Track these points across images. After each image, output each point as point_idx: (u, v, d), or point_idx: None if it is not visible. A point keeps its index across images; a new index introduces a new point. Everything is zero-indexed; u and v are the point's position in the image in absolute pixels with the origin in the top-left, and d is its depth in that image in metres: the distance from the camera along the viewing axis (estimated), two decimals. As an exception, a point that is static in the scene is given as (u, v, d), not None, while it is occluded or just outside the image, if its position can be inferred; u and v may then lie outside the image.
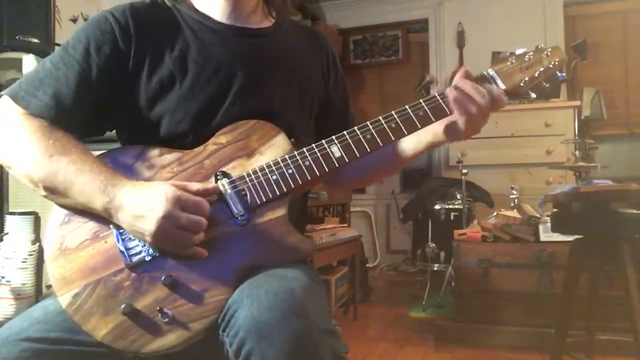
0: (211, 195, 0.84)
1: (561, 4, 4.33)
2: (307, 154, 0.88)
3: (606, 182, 2.03)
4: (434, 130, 0.96)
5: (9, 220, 1.64)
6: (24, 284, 1.59)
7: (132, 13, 0.94)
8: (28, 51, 2.07)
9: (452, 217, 3.47)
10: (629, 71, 4.27)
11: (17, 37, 2.10)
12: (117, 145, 0.98)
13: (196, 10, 1.00)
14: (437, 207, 3.54)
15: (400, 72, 5.13)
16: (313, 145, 0.89)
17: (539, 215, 2.57)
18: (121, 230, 0.83)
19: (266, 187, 0.86)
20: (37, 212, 1.67)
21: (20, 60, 2.03)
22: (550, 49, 1.00)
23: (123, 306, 0.79)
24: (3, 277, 1.58)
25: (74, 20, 2.71)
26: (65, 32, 2.49)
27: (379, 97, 5.21)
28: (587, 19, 4.41)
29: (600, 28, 4.32)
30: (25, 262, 1.59)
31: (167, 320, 0.79)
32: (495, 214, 2.84)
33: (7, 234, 1.62)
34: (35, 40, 2.15)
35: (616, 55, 4.28)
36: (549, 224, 2.24)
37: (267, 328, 0.69)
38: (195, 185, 0.83)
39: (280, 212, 0.87)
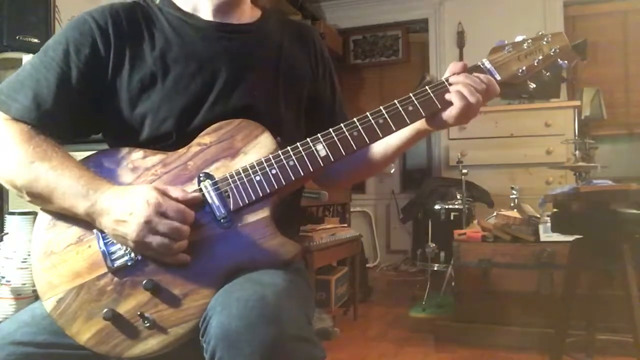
0: (193, 203, 0.82)
1: (561, 4, 4.33)
2: (291, 153, 0.86)
3: (606, 182, 2.03)
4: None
5: (9, 220, 1.64)
6: (24, 284, 1.58)
7: (111, 14, 0.94)
8: (28, 51, 2.07)
9: (452, 217, 3.46)
10: (629, 71, 4.27)
11: (17, 37, 2.10)
12: (105, 146, 0.97)
13: (178, 9, 0.99)
14: (437, 207, 3.53)
15: (400, 72, 5.13)
16: (298, 144, 0.87)
17: (539, 215, 2.56)
18: (104, 234, 0.83)
19: (249, 189, 0.84)
20: (37, 212, 1.67)
21: (20, 60, 2.02)
22: (551, 35, 0.95)
23: (105, 311, 0.79)
24: (3, 277, 1.58)
25: (74, 20, 2.71)
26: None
27: (379, 97, 5.20)
28: (587, 19, 4.41)
29: (600, 28, 4.32)
30: (25, 262, 1.59)
31: (148, 325, 0.78)
32: (495, 214, 2.84)
33: (7, 234, 1.62)
34: (35, 40, 2.14)
35: (616, 55, 4.28)
36: (549, 224, 2.24)
37: (236, 337, 0.68)
38: (177, 192, 0.82)
39: (263, 213, 0.85)
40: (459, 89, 0.86)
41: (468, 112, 0.87)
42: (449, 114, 0.88)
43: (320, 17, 4.87)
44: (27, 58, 2.02)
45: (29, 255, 1.59)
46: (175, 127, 0.91)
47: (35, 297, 1.60)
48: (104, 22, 0.92)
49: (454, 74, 0.90)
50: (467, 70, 0.91)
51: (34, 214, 1.65)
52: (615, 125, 4.14)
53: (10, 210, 1.79)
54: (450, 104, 0.88)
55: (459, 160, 3.44)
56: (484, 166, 3.84)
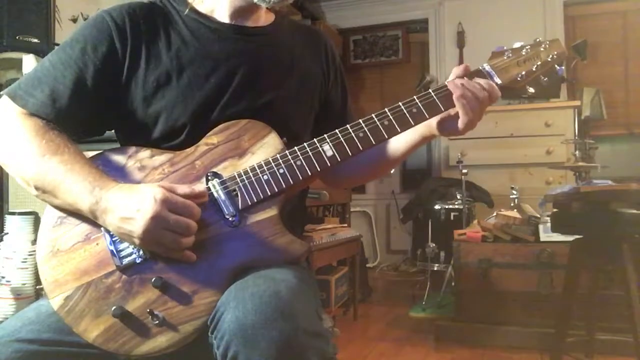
0: (200, 198, 0.83)
1: (561, 4, 4.33)
2: (298, 153, 0.87)
3: (606, 182, 2.03)
4: (428, 124, 0.94)
5: (9, 220, 1.65)
6: (24, 284, 1.59)
7: (129, 13, 0.94)
8: (28, 51, 2.07)
9: (452, 217, 3.46)
10: (629, 71, 4.27)
11: (17, 37, 2.11)
12: (116, 145, 0.98)
13: (195, 10, 1.00)
14: (437, 207, 3.53)
15: (400, 72, 5.14)
16: (305, 144, 0.88)
17: (539, 215, 2.56)
18: (112, 232, 0.83)
19: (257, 187, 0.86)
20: (37, 212, 1.67)
21: (20, 60, 2.03)
22: (548, 42, 0.98)
23: (114, 308, 0.79)
24: (3, 277, 1.58)
25: (74, 20, 2.72)
26: (65, 32, 2.50)
27: (379, 97, 5.21)
28: (587, 19, 4.41)
29: (600, 28, 4.32)
30: (25, 262, 1.59)
31: (157, 322, 0.79)
32: (495, 214, 2.84)
33: (7, 234, 1.62)
34: (35, 40, 2.15)
35: (616, 55, 4.28)
36: (549, 224, 2.24)
37: (252, 332, 0.69)
38: (183, 188, 0.82)
39: (272, 212, 0.86)
40: (462, 102, 0.88)
41: (474, 121, 0.91)
42: (457, 124, 0.91)
43: (320, 17, 4.87)
44: (27, 58, 2.02)
45: (29, 255, 1.60)
46: (189, 126, 0.92)
47: (36, 297, 1.61)
48: (121, 21, 0.93)
49: (457, 78, 0.91)
50: (469, 75, 0.92)
51: (34, 214, 1.65)
52: (615, 125, 4.15)
53: (10, 210, 1.79)
54: (453, 105, 0.90)
55: (459, 160, 3.44)
56: (484, 166, 3.84)
